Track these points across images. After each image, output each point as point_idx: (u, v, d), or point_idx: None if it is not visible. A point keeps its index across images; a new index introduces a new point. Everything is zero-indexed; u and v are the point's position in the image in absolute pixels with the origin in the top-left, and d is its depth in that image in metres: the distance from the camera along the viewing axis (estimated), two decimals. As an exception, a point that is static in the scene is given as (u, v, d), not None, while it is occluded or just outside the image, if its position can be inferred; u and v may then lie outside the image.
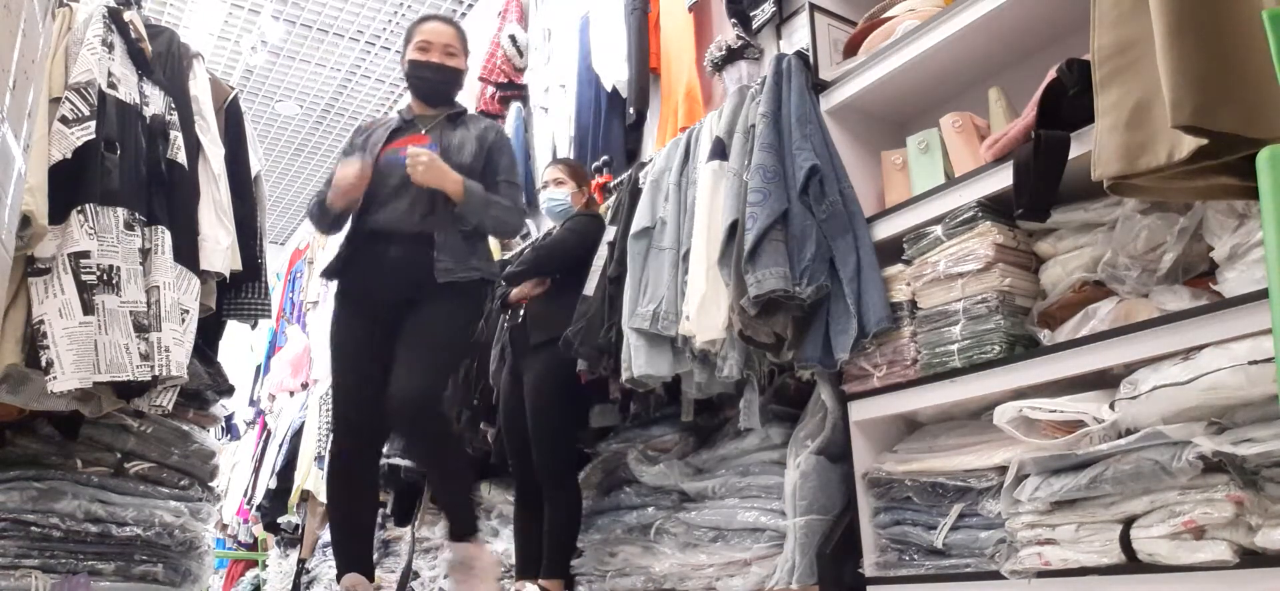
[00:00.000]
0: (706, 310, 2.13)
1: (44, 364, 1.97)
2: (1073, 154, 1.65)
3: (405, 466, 3.49)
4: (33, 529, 2.23)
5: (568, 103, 3.71)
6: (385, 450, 3.53)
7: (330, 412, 4.49)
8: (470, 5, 5.11)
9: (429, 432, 2.46)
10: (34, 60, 1.25)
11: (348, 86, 5.89)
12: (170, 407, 2.21)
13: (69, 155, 2.01)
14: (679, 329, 2.24)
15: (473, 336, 2.65)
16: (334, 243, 3.33)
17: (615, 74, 3.43)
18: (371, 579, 2.52)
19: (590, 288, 2.58)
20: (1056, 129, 1.66)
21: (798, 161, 2.11)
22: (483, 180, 2.53)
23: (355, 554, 2.51)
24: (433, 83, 2.61)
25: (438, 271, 2.42)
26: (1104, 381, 1.62)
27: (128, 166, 2.17)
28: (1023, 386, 1.72)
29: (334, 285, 2.65)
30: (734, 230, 2.13)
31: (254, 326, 2.92)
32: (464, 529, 2.53)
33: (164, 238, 2.21)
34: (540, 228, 3.56)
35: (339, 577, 2.49)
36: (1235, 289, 1.46)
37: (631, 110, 3.32)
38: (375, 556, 4.01)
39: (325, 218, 2.53)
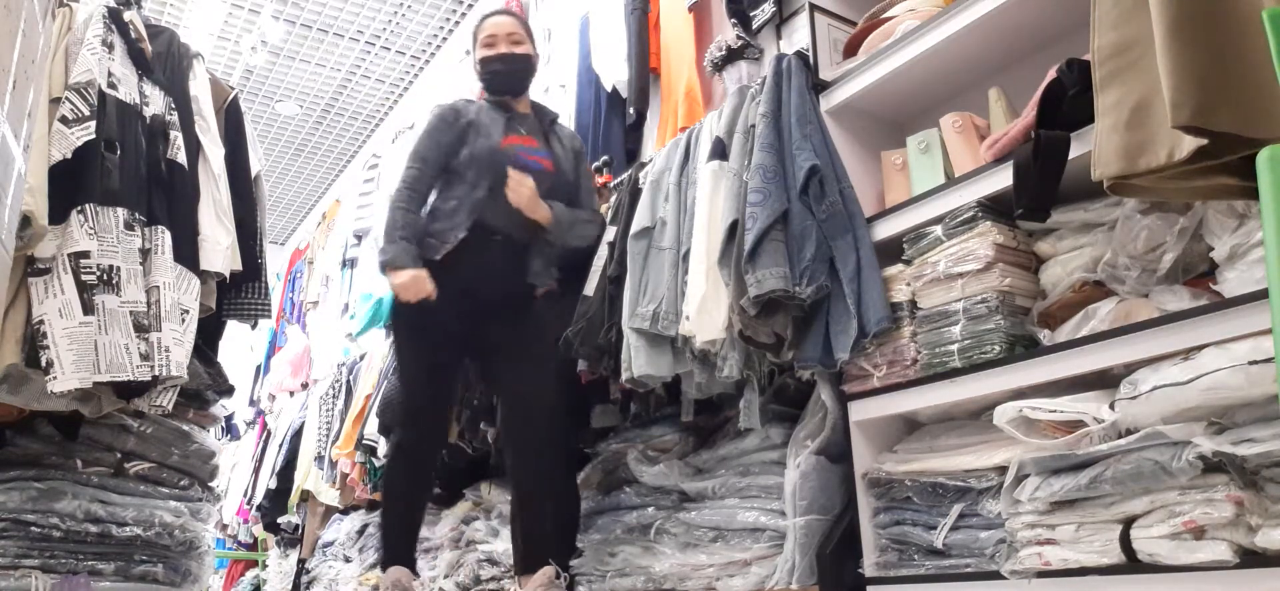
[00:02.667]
0: (706, 310, 2.13)
1: (44, 364, 1.97)
2: (1073, 154, 1.65)
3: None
4: (33, 529, 2.23)
5: (568, 103, 3.70)
6: (382, 451, 3.55)
7: (320, 412, 4.52)
8: (470, 5, 5.11)
9: (560, 444, 2.50)
10: (34, 60, 1.25)
11: (348, 86, 5.89)
12: (170, 407, 2.21)
13: (69, 155, 2.01)
14: (679, 329, 2.24)
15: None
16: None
17: (615, 74, 3.42)
18: (415, 572, 2.54)
19: (590, 288, 2.58)
20: (1056, 129, 1.66)
21: (798, 161, 2.11)
22: (572, 188, 2.64)
23: (404, 547, 2.54)
24: (506, 74, 2.62)
25: (532, 274, 2.51)
26: (1104, 381, 1.62)
27: (128, 166, 2.17)
28: (1023, 386, 1.72)
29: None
30: (734, 230, 2.13)
31: (254, 326, 2.91)
32: (549, 553, 2.44)
33: (164, 238, 2.21)
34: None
35: (383, 568, 2.50)
36: (1235, 289, 1.46)
37: (631, 110, 3.32)
38: (374, 556, 4.03)
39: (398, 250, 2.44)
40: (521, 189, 2.45)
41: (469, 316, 2.49)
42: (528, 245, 2.53)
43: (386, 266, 2.42)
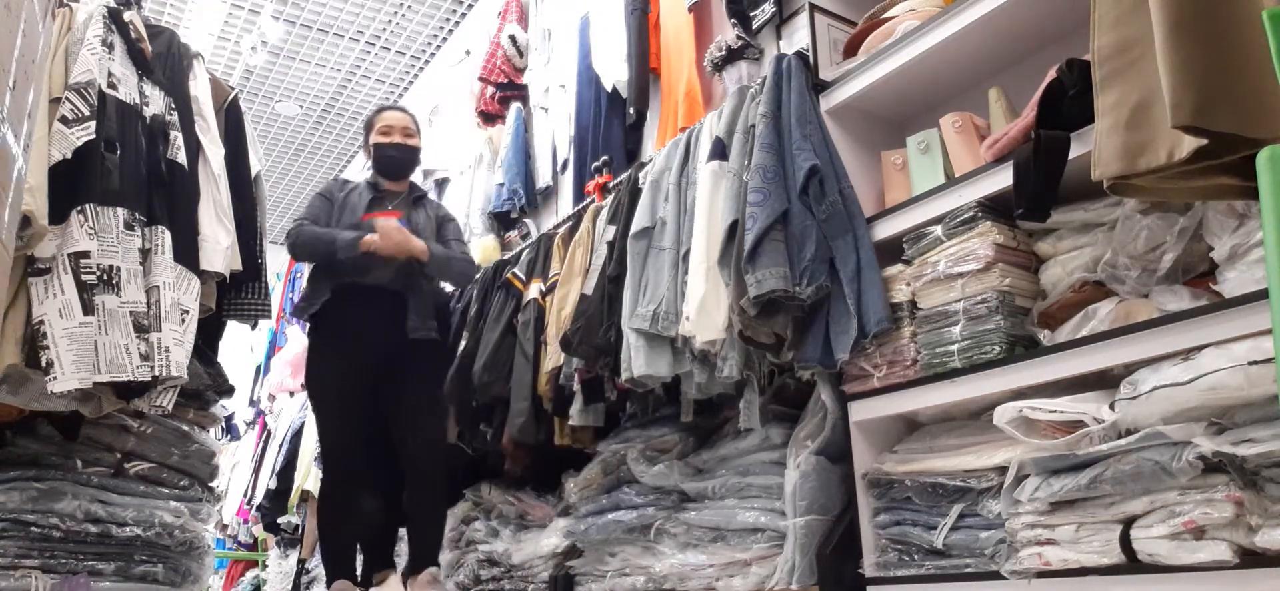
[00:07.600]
0: (706, 310, 2.13)
1: (44, 364, 1.97)
2: (1073, 154, 1.65)
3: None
4: (33, 529, 2.23)
5: (568, 103, 3.70)
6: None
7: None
8: (470, 5, 5.11)
9: (445, 471, 2.92)
10: (34, 60, 1.25)
11: (348, 86, 5.89)
12: (170, 408, 2.21)
13: (69, 155, 2.01)
14: (679, 329, 2.24)
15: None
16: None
17: (615, 74, 3.42)
18: (355, 581, 2.95)
19: (589, 287, 2.58)
20: (1056, 129, 1.66)
21: (798, 161, 2.11)
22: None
23: (346, 564, 2.95)
24: (397, 160, 3.06)
25: (409, 327, 2.84)
26: (1104, 381, 1.62)
27: (128, 166, 2.17)
28: (1023, 386, 1.71)
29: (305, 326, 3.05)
30: (734, 230, 2.12)
31: (254, 326, 2.92)
32: (433, 559, 2.91)
33: (164, 238, 2.21)
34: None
35: (329, 584, 2.88)
36: (1235, 289, 1.46)
37: (631, 110, 3.32)
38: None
39: (315, 254, 2.88)
40: (388, 229, 2.75)
41: (358, 364, 2.85)
42: (402, 297, 2.85)
43: (353, 245, 2.74)
